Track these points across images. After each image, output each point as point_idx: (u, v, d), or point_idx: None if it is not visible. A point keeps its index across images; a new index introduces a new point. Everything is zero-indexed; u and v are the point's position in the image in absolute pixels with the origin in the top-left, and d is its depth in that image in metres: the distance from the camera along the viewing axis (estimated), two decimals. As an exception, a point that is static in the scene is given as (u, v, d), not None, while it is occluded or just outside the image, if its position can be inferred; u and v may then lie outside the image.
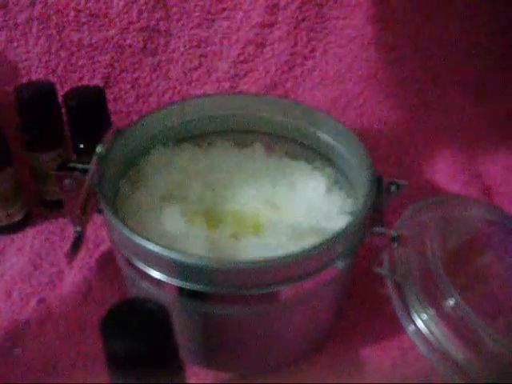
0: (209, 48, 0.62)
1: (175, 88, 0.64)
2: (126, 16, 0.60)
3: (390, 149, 0.63)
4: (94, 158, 0.38)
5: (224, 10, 0.61)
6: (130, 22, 0.60)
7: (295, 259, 0.31)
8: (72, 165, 0.38)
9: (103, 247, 0.50)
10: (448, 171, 0.61)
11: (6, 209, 0.50)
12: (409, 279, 0.38)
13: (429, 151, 0.62)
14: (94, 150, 0.38)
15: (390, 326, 0.42)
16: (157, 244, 0.31)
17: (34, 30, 0.61)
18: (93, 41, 0.60)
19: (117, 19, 0.60)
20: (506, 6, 0.60)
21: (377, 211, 0.37)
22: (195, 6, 0.60)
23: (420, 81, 0.63)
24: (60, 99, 0.51)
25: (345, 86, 0.64)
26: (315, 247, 0.32)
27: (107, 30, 0.60)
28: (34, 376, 0.40)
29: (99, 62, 0.62)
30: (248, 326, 0.36)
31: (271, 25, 0.62)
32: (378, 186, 0.37)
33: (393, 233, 0.36)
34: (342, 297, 0.41)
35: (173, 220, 0.39)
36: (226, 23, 0.62)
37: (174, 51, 0.62)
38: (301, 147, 0.47)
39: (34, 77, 0.62)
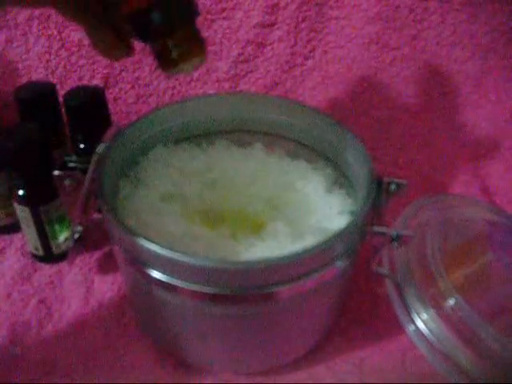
0: (209, 48, 0.62)
1: (175, 88, 0.64)
2: (126, 16, 0.60)
3: (390, 149, 0.63)
4: (94, 158, 0.38)
5: (224, 10, 0.61)
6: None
7: (295, 259, 0.31)
8: (72, 165, 0.38)
9: (103, 247, 0.50)
10: (448, 171, 0.61)
11: (6, 208, 0.50)
12: (409, 279, 0.38)
13: (429, 151, 0.62)
14: (93, 150, 0.38)
15: (390, 325, 0.42)
16: (156, 244, 0.31)
17: (34, 30, 0.61)
18: (93, 41, 0.60)
19: (117, 19, 0.60)
20: (507, 4, 0.60)
21: (377, 211, 0.37)
22: (195, 5, 0.60)
23: (420, 81, 0.63)
24: (60, 99, 0.51)
25: (345, 85, 0.64)
26: (315, 247, 0.32)
27: (107, 30, 0.60)
28: (34, 376, 0.40)
29: (99, 61, 0.62)
30: (248, 326, 0.36)
31: (271, 25, 0.62)
32: (378, 186, 0.37)
33: (393, 233, 0.35)
34: (342, 297, 0.41)
35: (173, 220, 0.39)
36: (226, 23, 0.62)
37: (173, 51, 0.62)
38: (301, 147, 0.47)
39: (33, 77, 0.62)
